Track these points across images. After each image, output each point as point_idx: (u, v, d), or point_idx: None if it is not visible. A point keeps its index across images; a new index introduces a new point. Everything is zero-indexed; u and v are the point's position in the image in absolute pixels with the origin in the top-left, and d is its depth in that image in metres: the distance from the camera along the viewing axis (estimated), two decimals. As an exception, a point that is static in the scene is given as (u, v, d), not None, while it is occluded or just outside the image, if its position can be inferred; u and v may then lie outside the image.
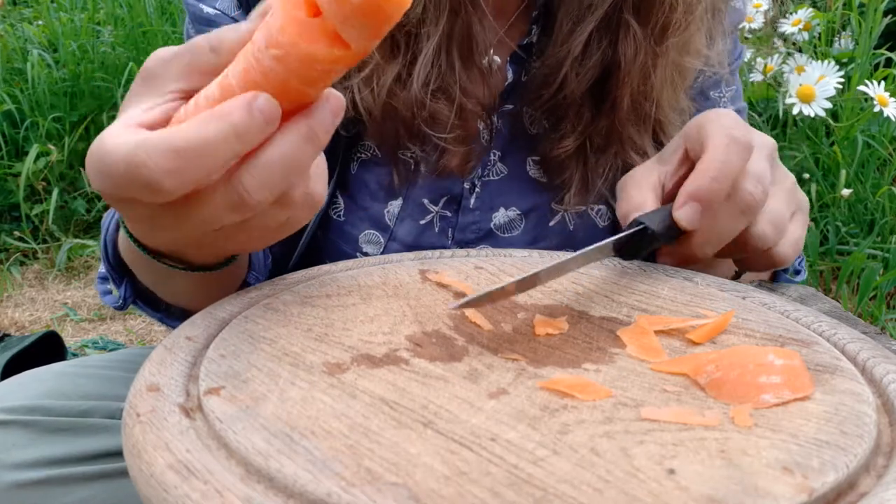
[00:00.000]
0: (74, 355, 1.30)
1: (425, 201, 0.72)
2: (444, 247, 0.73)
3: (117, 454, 0.66)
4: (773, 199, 0.52)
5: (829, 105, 1.60)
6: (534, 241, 0.74)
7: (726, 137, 0.49)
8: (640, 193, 0.54)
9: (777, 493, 0.30)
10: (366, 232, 0.73)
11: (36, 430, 0.65)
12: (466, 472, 0.31)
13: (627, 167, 0.66)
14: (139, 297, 0.65)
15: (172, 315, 0.68)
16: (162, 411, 0.36)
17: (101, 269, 0.68)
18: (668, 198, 0.55)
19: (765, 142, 0.53)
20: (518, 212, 0.74)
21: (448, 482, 0.30)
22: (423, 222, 0.73)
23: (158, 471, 0.32)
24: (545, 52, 0.68)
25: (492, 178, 0.73)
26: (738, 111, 0.79)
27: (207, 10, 0.71)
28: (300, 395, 0.37)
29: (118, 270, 0.63)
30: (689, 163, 0.55)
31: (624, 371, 0.40)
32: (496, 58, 0.70)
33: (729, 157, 0.49)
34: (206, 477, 0.31)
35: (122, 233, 0.55)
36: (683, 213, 0.50)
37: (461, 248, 0.73)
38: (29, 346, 1.11)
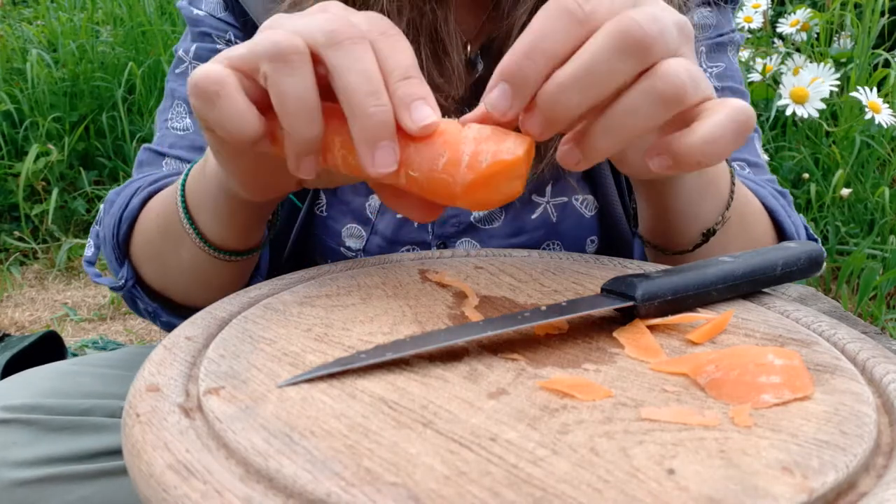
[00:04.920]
0: (74, 355, 1.30)
1: None
2: (425, 241, 0.74)
3: (118, 452, 0.66)
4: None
5: (822, 106, 1.60)
6: (516, 232, 0.73)
7: (556, 2, 0.38)
8: None
9: (777, 493, 0.30)
10: (348, 226, 0.73)
11: (37, 428, 0.65)
12: (466, 472, 0.31)
13: None
14: (138, 282, 0.70)
15: (166, 307, 0.69)
16: (161, 411, 0.36)
17: (88, 253, 0.72)
18: None
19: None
20: None
21: (448, 482, 0.30)
22: (401, 216, 0.72)
23: (158, 471, 0.32)
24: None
25: None
26: (725, 90, 0.75)
27: (196, 11, 0.77)
28: (300, 395, 0.36)
29: (122, 250, 0.68)
30: None
31: (624, 371, 0.40)
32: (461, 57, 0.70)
33: (551, 25, 0.37)
34: (205, 477, 0.31)
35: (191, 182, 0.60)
36: (488, 98, 0.40)
37: (441, 241, 0.74)
38: (29, 346, 1.11)
